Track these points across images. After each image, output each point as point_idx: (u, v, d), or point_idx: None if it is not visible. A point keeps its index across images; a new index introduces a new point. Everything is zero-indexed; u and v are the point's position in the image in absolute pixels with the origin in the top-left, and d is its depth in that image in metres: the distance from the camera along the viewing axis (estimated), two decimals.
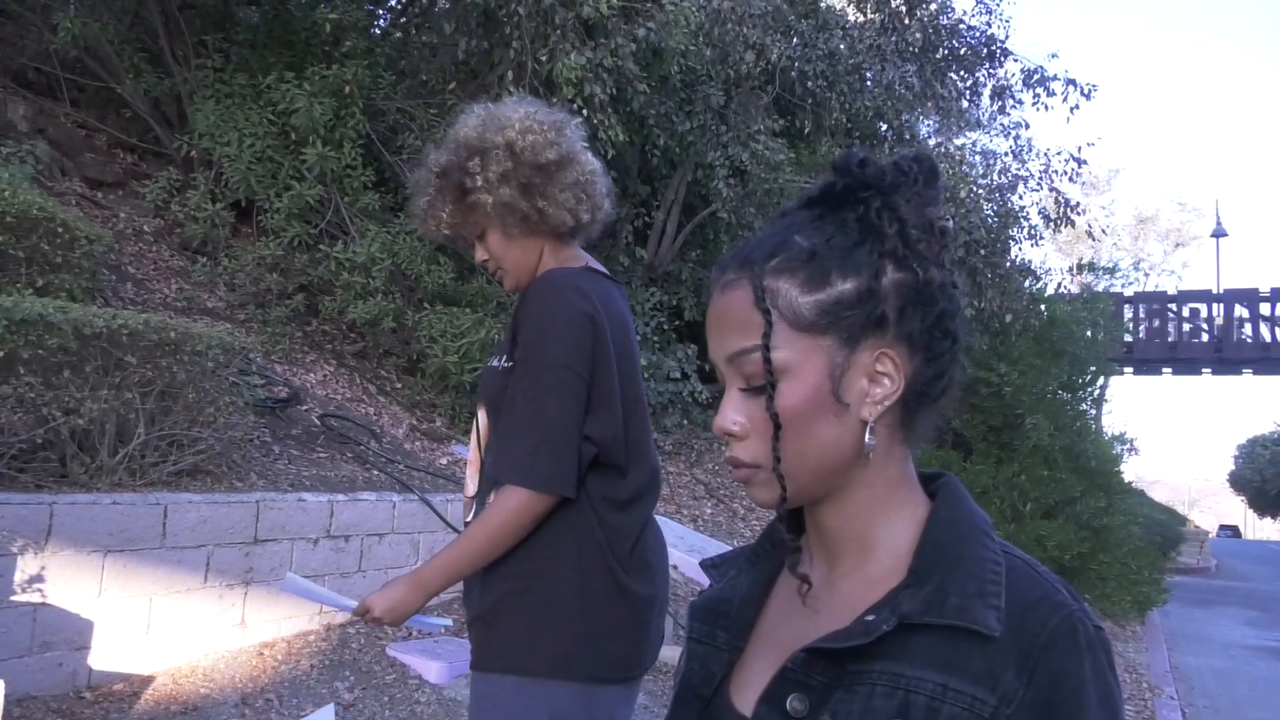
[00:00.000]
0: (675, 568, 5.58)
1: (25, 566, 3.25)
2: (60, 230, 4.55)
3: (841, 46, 8.98)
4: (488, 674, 1.72)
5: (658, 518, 6.28)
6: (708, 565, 1.03)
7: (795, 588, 0.90)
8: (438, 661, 4.11)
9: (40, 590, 3.28)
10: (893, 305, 0.80)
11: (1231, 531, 53.24)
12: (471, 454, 1.87)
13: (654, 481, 1.84)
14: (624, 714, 1.76)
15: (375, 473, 5.24)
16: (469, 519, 1.84)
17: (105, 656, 3.47)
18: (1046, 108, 10.98)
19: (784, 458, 0.81)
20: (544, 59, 6.57)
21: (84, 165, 7.03)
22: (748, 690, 0.85)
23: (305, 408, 5.67)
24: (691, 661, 0.95)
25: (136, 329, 3.69)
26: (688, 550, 6.03)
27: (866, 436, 0.81)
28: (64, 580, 3.35)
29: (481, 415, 1.84)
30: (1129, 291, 24.73)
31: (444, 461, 6.15)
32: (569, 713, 1.67)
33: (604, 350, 1.73)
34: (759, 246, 0.84)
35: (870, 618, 0.78)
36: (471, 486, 1.86)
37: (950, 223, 0.85)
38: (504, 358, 1.78)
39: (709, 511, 7.84)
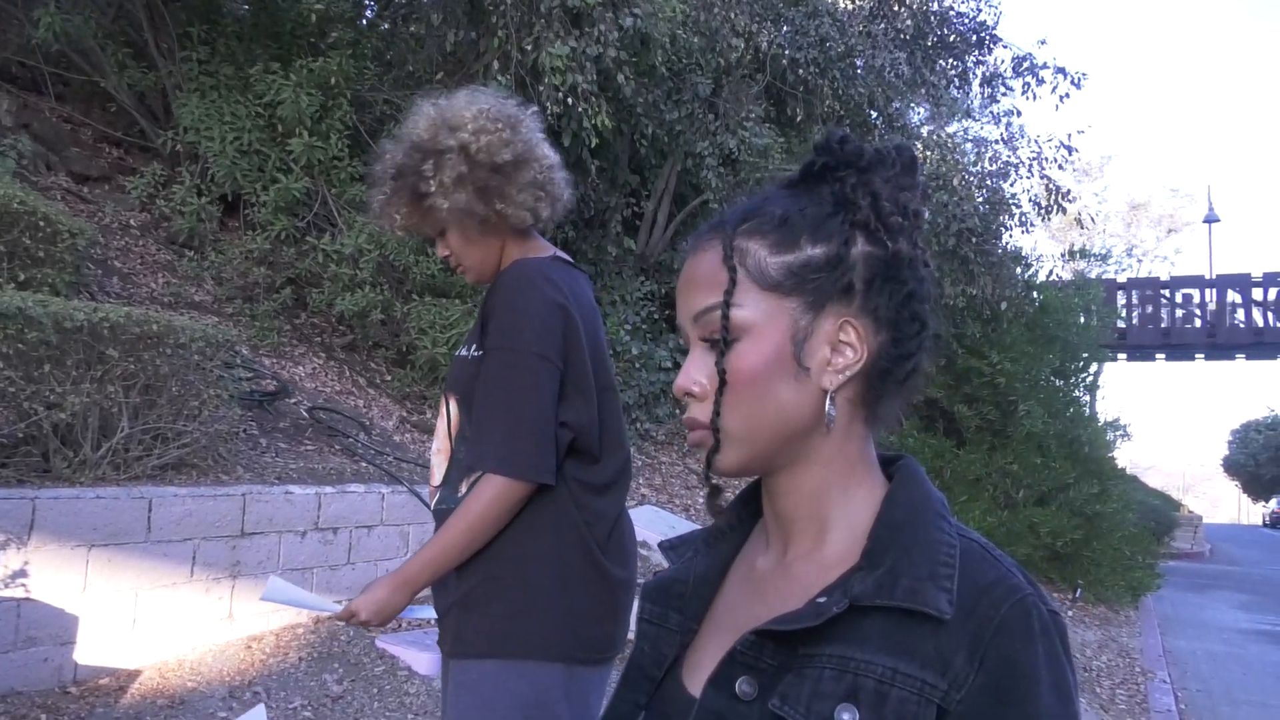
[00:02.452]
0: None
1: (8, 562, 3.23)
2: (42, 224, 4.52)
3: (833, 32, 8.95)
4: (466, 660, 1.71)
5: (651, 507, 6.26)
6: (666, 547, 1.02)
7: (750, 570, 0.90)
8: (427, 653, 4.09)
9: (24, 585, 3.27)
10: (860, 276, 0.80)
11: None
12: (440, 443, 1.86)
13: (627, 468, 1.84)
14: (598, 695, 1.77)
15: (364, 465, 5.22)
16: (434, 507, 1.84)
17: (91, 651, 3.45)
18: (1036, 97, 10.98)
19: (739, 419, 0.81)
20: (529, 48, 6.53)
21: (69, 160, 6.99)
22: (699, 673, 0.84)
23: (294, 400, 5.65)
24: (641, 642, 0.94)
25: (118, 322, 3.66)
26: None
27: (827, 406, 0.80)
28: (48, 575, 3.33)
29: (451, 404, 1.83)
30: (1122, 278, 24.79)
31: (431, 456, 6.13)
32: (550, 694, 1.67)
33: (576, 338, 1.74)
34: (733, 212, 0.85)
35: (821, 600, 0.77)
36: (438, 475, 1.85)
37: (925, 210, 0.85)
38: (473, 346, 1.78)
39: (701, 501, 7.83)
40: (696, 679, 0.84)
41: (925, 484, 0.84)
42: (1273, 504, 44.95)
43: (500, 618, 1.68)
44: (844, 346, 0.80)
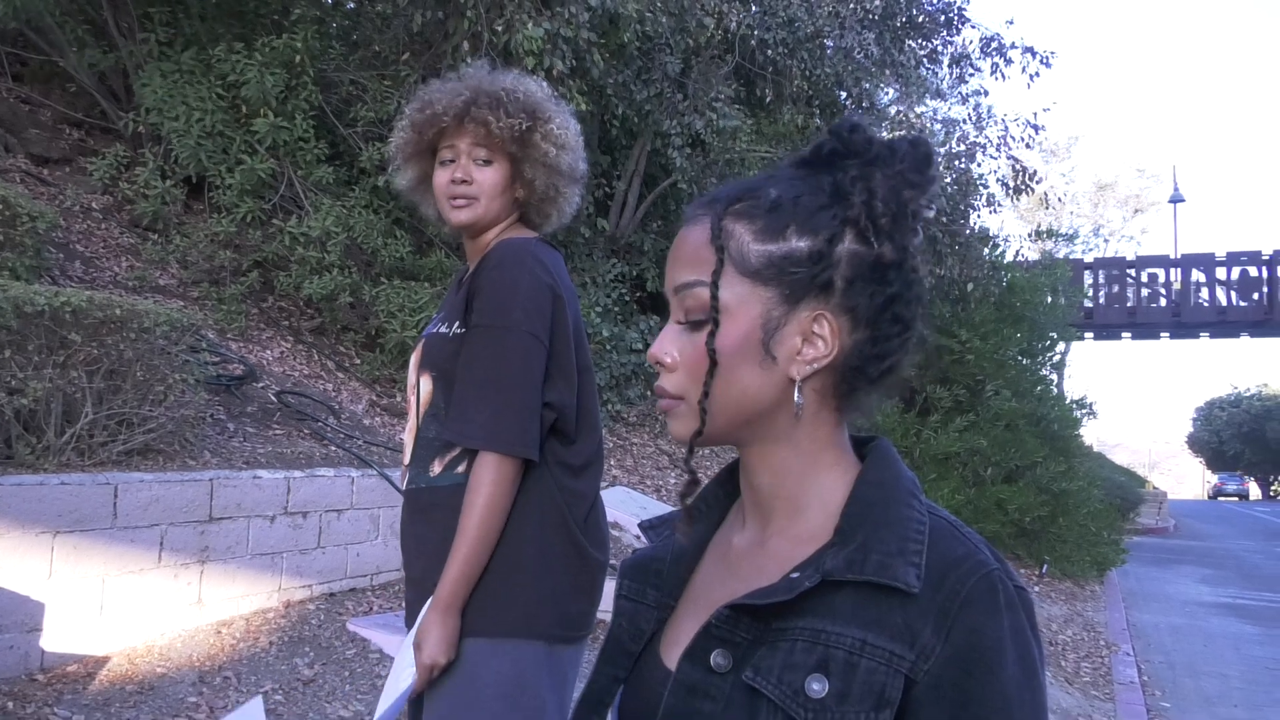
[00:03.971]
0: (639, 538, 5.60)
1: None
2: (0, 207, 4.44)
3: (801, 13, 8.94)
4: None
5: (622, 488, 6.24)
6: (645, 527, 1.03)
7: (727, 548, 0.92)
8: (398, 635, 4.09)
9: None
10: (842, 274, 0.80)
11: (1236, 484, 47.39)
12: (411, 423, 1.85)
13: (600, 449, 1.86)
14: (575, 673, 1.78)
15: (333, 449, 5.19)
16: (404, 487, 1.83)
17: (58, 638, 3.42)
18: (1004, 77, 11.02)
19: (700, 395, 0.82)
20: (500, 29, 6.48)
21: (29, 142, 6.87)
22: (676, 647, 0.86)
23: (261, 385, 5.61)
24: (619, 618, 0.95)
25: (80, 306, 3.61)
26: None
27: (795, 395, 0.82)
28: (12, 562, 3.29)
29: (424, 383, 1.81)
30: (1089, 258, 25.05)
31: (404, 436, 6.11)
32: (533, 672, 1.68)
33: (562, 320, 1.75)
34: (732, 189, 0.85)
35: (795, 575, 0.78)
36: (409, 455, 1.84)
37: (930, 211, 0.84)
38: (455, 324, 1.77)
39: (673, 482, 7.87)
40: (673, 653, 0.86)
41: (897, 464, 0.85)
42: (1215, 479, 47.21)
43: (484, 596, 1.68)
44: (815, 339, 0.81)
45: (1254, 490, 48.50)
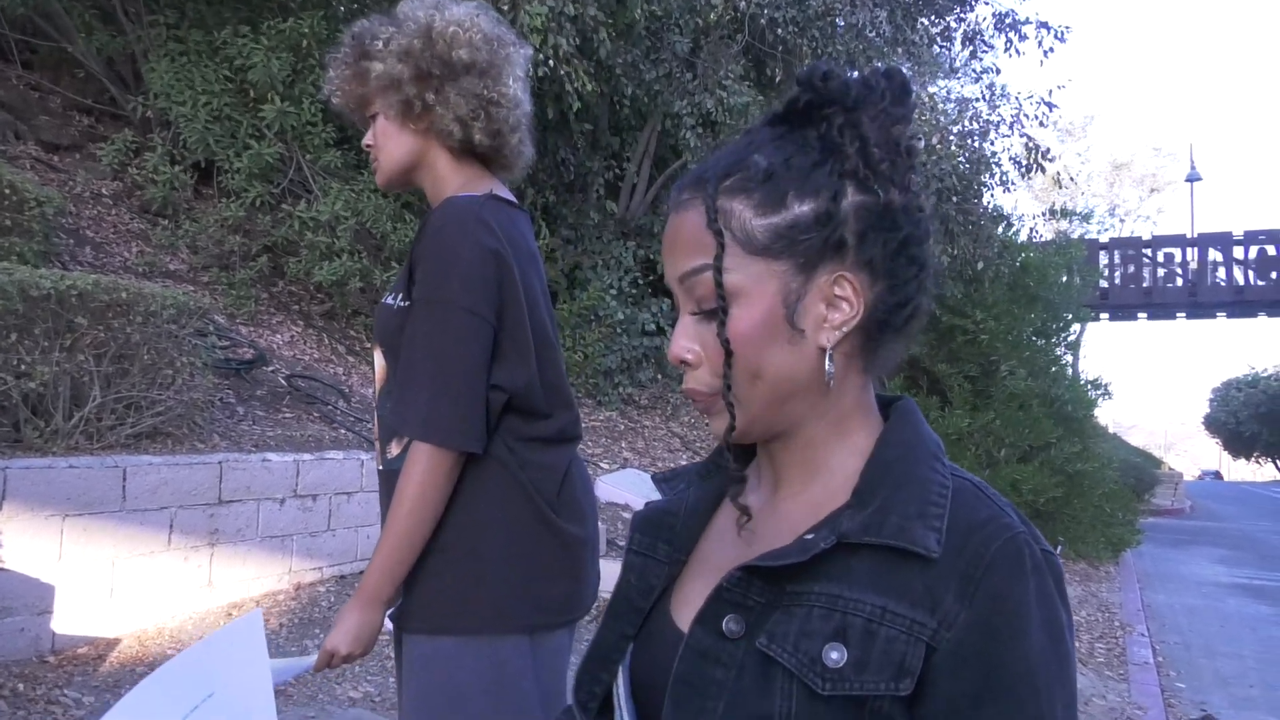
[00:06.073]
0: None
1: None
2: (8, 192, 4.45)
3: None
4: (419, 635, 1.60)
5: (633, 471, 6.18)
6: (659, 480, 1.00)
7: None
8: None
9: None
10: (852, 229, 0.77)
11: (1213, 475, 54.46)
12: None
13: (577, 424, 1.73)
14: (565, 658, 1.69)
15: (343, 432, 5.20)
16: (379, 467, 1.72)
17: (68, 620, 3.44)
18: (1018, 52, 10.87)
19: (736, 385, 0.78)
20: (506, 8, 6.43)
21: (38, 128, 6.88)
22: (687, 607, 0.83)
23: (271, 369, 5.61)
24: (628, 573, 0.92)
25: (85, 290, 3.61)
26: None
27: (827, 364, 0.78)
28: (22, 545, 3.31)
29: (378, 357, 1.70)
30: (1104, 238, 24.82)
31: None
32: (514, 666, 1.57)
33: (512, 288, 1.58)
34: (716, 164, 0.80)
35: (809, 536, 0.75)
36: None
37: (920, 142, 0.81)
38: (400, 295, 1.63)
39: (684, 464, 7.85)
40: (684, 614, 0.83)
41: (920, 424, 0.82)
42: (1199, 471, 50.51)
43: (452, 591, 1.57)
44: (840, 301, 0.77)
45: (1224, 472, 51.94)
